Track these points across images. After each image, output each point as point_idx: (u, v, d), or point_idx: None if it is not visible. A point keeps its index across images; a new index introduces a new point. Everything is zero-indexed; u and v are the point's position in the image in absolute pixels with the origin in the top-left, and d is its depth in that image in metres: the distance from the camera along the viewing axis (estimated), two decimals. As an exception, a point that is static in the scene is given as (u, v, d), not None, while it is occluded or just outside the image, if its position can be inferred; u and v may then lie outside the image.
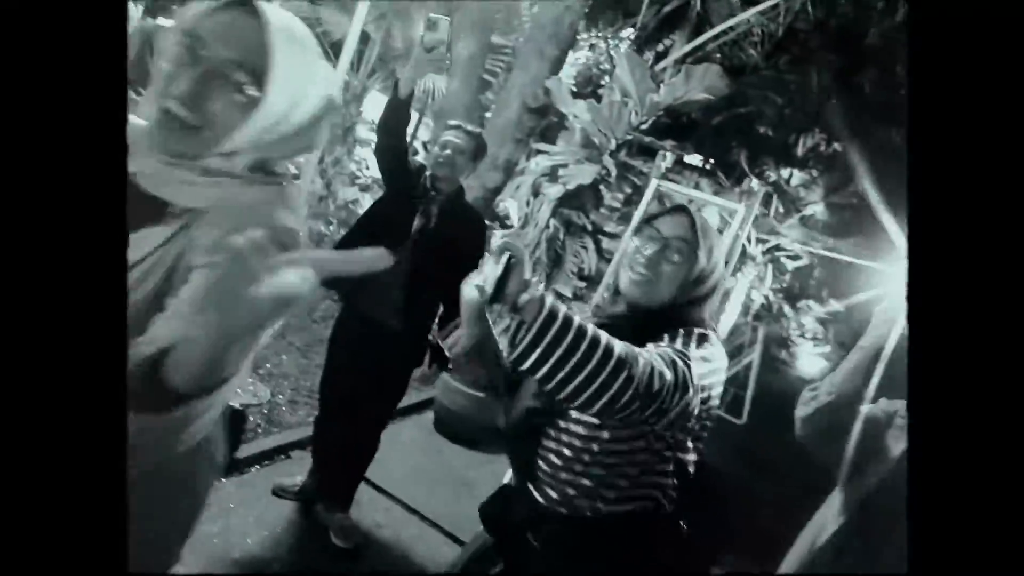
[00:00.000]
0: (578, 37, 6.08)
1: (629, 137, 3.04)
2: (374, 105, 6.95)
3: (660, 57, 4.52)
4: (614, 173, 3.08)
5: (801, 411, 1.55)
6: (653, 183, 2.58)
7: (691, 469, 1.19)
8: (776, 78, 5.96)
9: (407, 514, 2.70)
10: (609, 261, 5.18)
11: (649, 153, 4.06)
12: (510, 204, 5.85)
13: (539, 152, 3.64)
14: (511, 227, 5.60)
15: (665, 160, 2.64)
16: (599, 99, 3.76)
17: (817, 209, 10.34)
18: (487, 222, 5.79)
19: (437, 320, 2.28)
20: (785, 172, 9.68)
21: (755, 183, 7.69)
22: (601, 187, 3.31)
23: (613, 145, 3.11)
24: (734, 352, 7.29)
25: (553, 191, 3.32)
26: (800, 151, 9.49)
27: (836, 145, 9.36)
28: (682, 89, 2.82)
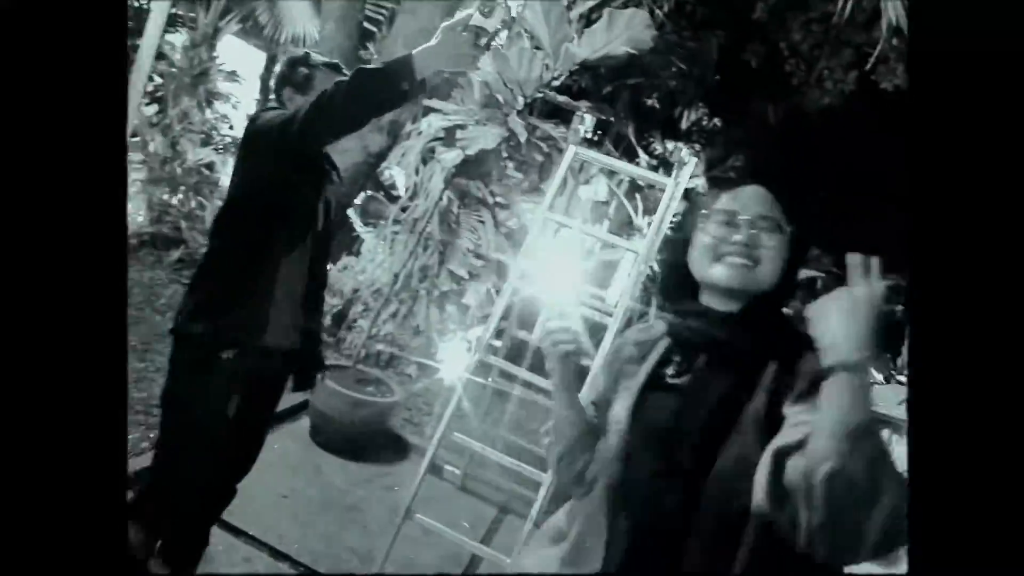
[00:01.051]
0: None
1: (539, 95, 2.62)
2: (231, 50, 5.95)
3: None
4: (523, 137, 2.65)
5: None
6: (571, 150, 2.18)
7: None
8: (679, 43, 5.79)
9: (275, 562, 2.15)
10: (508, 236, 4.78)
11: (559, 116, 3.67)
12: (396, 172, 5.24)
13: (432, 111, 3.11)
14: (398, 197, 5.01)
15: (584, 123, 2.24)
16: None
17: (699, 183, 10.71)
18: (370, 192, 5.13)
19: None
20: (670, 145, 9.86)
21: (685, 152, 7.63)
22: (505, 154, 2.87)
23: (520, 104, 2.66)
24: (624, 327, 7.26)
25: (450, 157, 2.83)
26: (684, 125, 9.68)
27: (716, 120, 9.63)
28: (603, 39, 2.42)
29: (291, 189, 1.55)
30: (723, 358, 0.90)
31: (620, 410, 0.95)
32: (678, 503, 0.84)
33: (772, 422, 0.81)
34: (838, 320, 0.74)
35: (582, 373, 1.02)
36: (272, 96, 1.74)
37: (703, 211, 0.95)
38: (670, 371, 0.95)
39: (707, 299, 0.94)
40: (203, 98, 5.26)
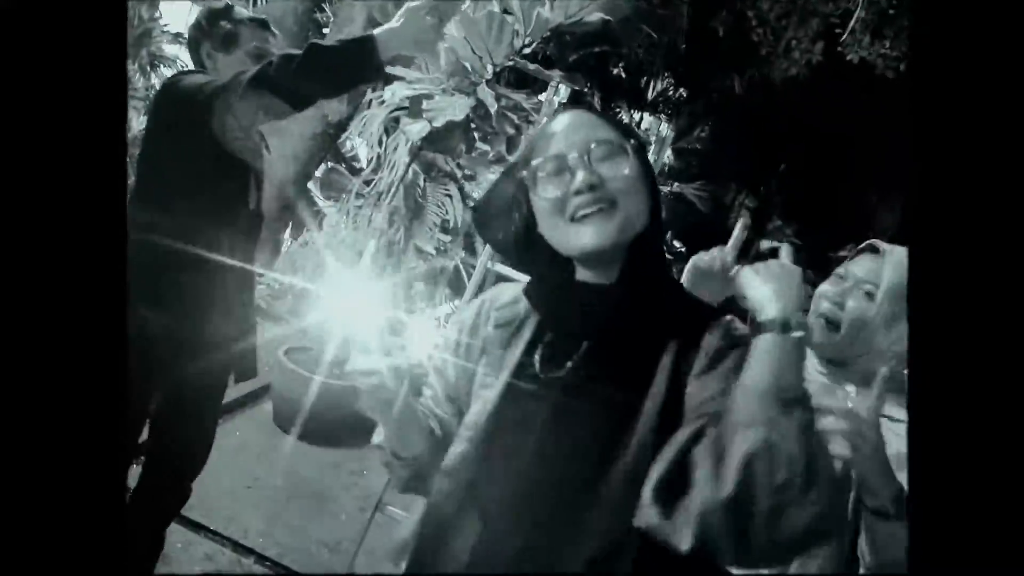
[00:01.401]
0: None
1: (510, 63, 2.49)
2: (178, 11, 5.57)
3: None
4: (493, 108, 2.52)
5: None
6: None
7: None
8: (648, 11, 5.67)
9: (239, 557, 2.06)
10: (475, 209, 4.64)
11: (527, 85, 3.52)
12: (357, 143, 5.02)
13: (395, 79, 2.94)
14: (360, 169, 4.80)
15: (559, 94, 2.13)
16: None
17: (665, 153, 10.72)
18: (331, 164, 4.90)
19: None
20: (636, 116, 9.81)
21: (664, 125, 7.56)
22: (473, 125, 2.74)
23: (490, 72, 2.52)
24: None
25: (415, 129, 2.68)
26: (650, 95, 9.62)
27: (683, 91, 9.59)
28: (577, 3, 2.31)
29: (219, 163, 1.37)
30: (610, 343, 0.72)
31: (477, 415, 0.76)
32: (548, 536, 0.67)
33: (672, 415, 0.68)
34: (770, 281, 0.69)
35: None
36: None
37: (524, 171, 0.75)
38: (539, 362, 0.75)
39: (581, 275, 0.76)
40: (146, 61, 4.92)
